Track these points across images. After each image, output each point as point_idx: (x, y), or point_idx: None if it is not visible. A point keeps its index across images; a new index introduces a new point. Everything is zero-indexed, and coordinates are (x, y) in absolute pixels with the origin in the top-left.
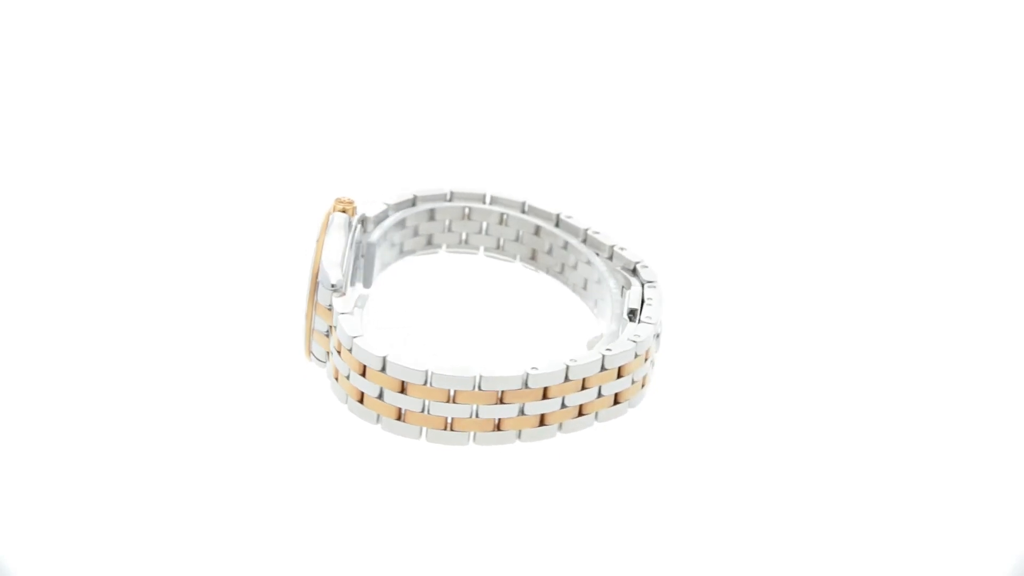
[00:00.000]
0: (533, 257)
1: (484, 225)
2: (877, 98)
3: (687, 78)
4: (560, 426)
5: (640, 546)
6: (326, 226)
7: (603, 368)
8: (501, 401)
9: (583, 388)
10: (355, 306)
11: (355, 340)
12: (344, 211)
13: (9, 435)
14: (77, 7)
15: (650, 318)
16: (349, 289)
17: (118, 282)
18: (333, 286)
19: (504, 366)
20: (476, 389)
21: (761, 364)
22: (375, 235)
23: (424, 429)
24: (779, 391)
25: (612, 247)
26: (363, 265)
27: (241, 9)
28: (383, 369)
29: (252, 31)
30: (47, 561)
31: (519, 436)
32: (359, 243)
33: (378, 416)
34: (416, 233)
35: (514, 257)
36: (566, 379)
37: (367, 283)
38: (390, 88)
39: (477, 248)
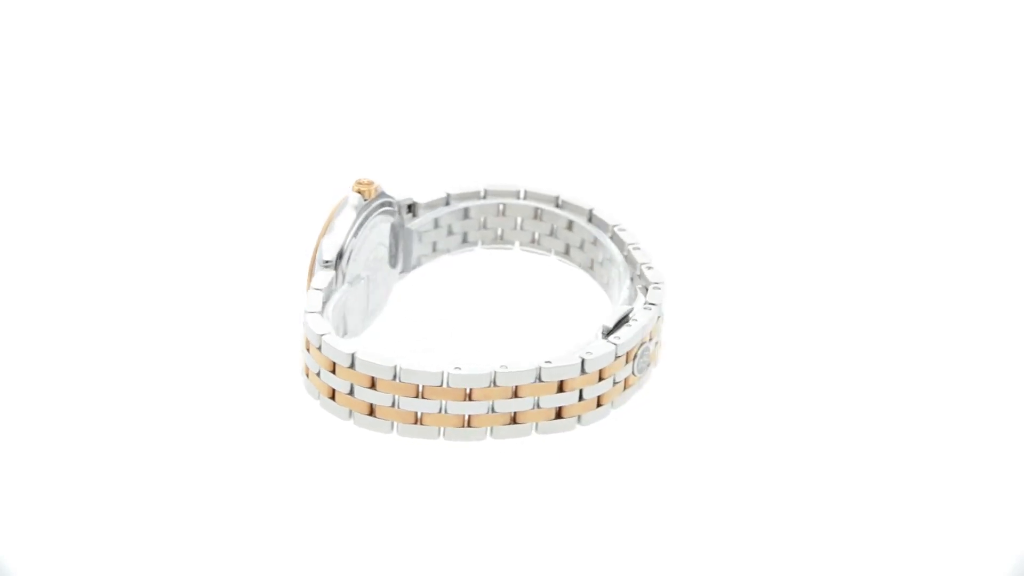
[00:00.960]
0: (567, 252)
1: (519, 221)
2: (891, 96)
3: (713, 75)
4: (537, 426)
5: (638, 543)
6: (339, 206)
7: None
8: (470, 398)
9: (560, 390)
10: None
11: (323, 337)
12: (360, 192)
13: (9, 436)
14: (77, 7)
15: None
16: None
17: (117, 281)
18: (326, 262)
19: (481, 362)
20: (445, 385)
21: (771, 357)
22: (416, 223)
23: (396, 424)
24: (790, 386)
25: (629, 245)
26: (401, 249)
27: (267, 6)
28: (352, 366)
29: (274, 27)
30: (47, 561)
31: (491, 432)
32: (398, 227)
33: (350, 412)
34: (451, 232)
35: (549, 251)
36: (538, 379)
37: (405, 267)
38: (406, 86)
39: (512, 243)
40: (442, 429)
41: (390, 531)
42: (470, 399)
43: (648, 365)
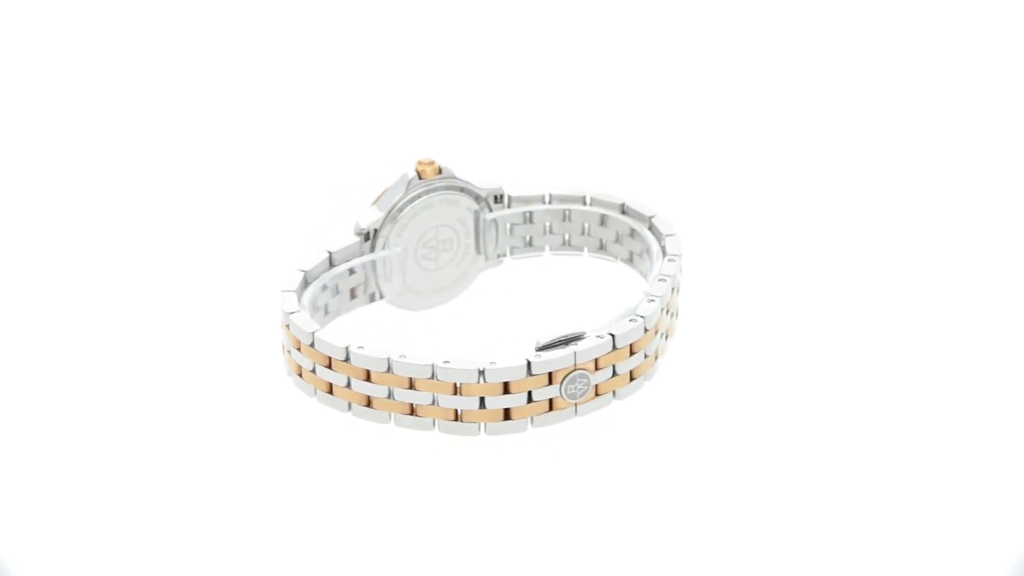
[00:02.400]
0: (630, 259)
1: (585, 226)
2: (925, 90)
3: (736, 69)
4: (532, 420)
5: (633, 536)
6: (396, 181)
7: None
8: (458, 392)
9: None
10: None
11: (315, 335)
12: (418, 172)
13: (9, 436)
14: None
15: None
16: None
17: (109, 281)
18: (362, 230)
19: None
20: (433, 379)
21: (781, 355)
22: (495, 214)
23: (392, 415)
24: (795, 385)
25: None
26: (483, 237)
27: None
28: (347, 360)
29: (303, 30)
30: (47, 561)
31: (484, 429)
32: (479, 214)
33: (349, 404)
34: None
35: (616, 258)
36: (528, 374)
37: (489, 257)
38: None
39: (581, 249)
40: (436, 421)
41: (392, 524)
42: (459, 393)
43: (584, 393)
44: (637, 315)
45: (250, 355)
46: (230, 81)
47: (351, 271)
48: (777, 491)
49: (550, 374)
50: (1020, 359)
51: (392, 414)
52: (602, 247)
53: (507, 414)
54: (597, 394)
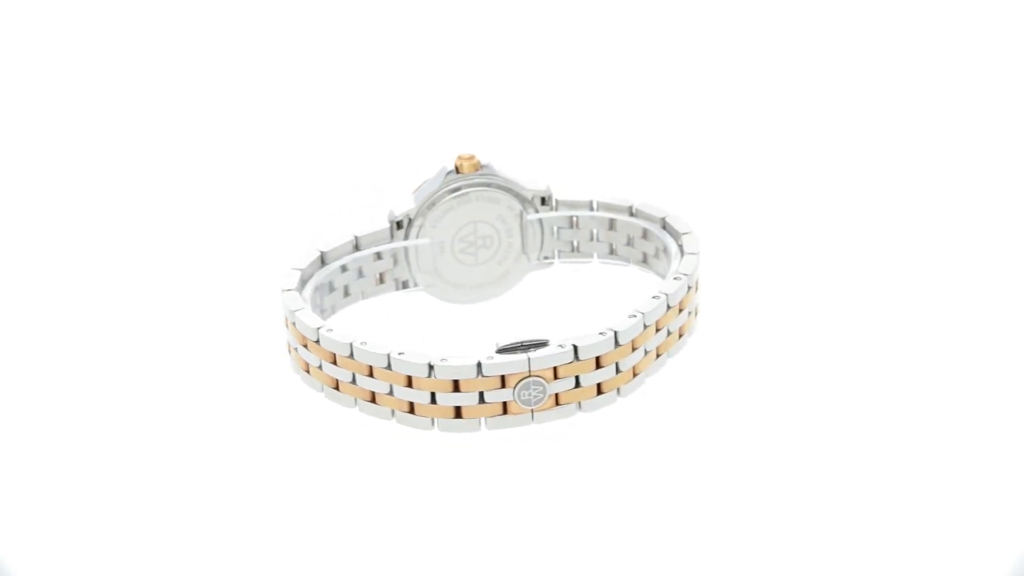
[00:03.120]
0: (644, 261)
1: (630, 236)
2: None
3: (746, 67)
4: (484, 421)
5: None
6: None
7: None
8: (457, 389)
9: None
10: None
11: (320, 331)
12: (457, 167)
13: (14, 436)
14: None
15: None
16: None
17: (111, 281)
18: (395, 217)
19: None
20: (388, 368)
21: (789, 356)
22: (540, 216)
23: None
24: (800, 385)
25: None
26: (528, 238)
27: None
28: (351, 356)
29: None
30: (47, 561)
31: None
32: (522, 215)
33: (355, 400)
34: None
35: (628, 262)
36: (479, 375)
37: (534, 258)
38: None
39: (628, 261)
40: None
41: (393, 521)
42: (411, 386)
43: (540, 401)
44: (638, 311)
45: (256, 351)
46: (246, 81)
47: (378, 255)
48: (780, 490)
49: (503, 377)
50: (1017, 360)
51: (357, 399)
52: (645, 260)
53: (458, 412)
54: (558, 403)
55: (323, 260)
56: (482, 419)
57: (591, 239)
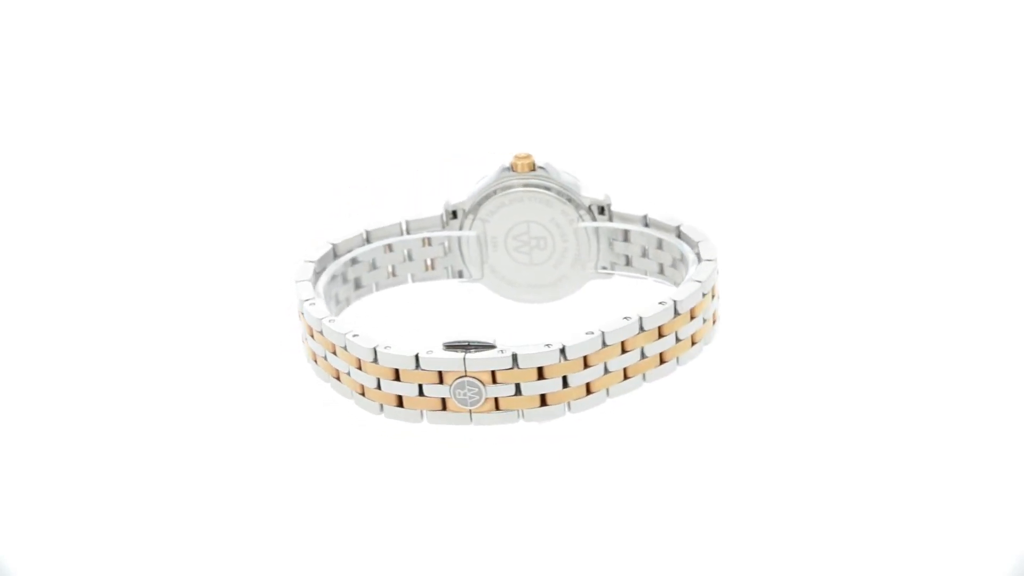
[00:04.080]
0: (661, 271)
1: (674, 258)
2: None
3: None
4: (471, 416)
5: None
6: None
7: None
8: (398, 378)
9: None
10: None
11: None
12: (512, 165)
13: (13, 436)
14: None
15: None
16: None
17: (122, 281)
18: (450, 207)
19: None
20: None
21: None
22: (595, 225)
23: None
24: (804, 387)
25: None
26: (581, 246)
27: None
28: (375, 360)
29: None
30: (47, 561)
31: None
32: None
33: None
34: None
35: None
36: (416, 367)
37: (591, 268)
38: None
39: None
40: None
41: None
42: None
43: (477, 402)
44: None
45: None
46: (291, 79)
47: (427, 241)
48: (777, 491)
49: (440, 373)
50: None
51: (353, 391)
52: (661, 271)
53: (400, 401)
54: (497, 408)
55: (368, 239)
56: (423, 411)
57: (642, 255)
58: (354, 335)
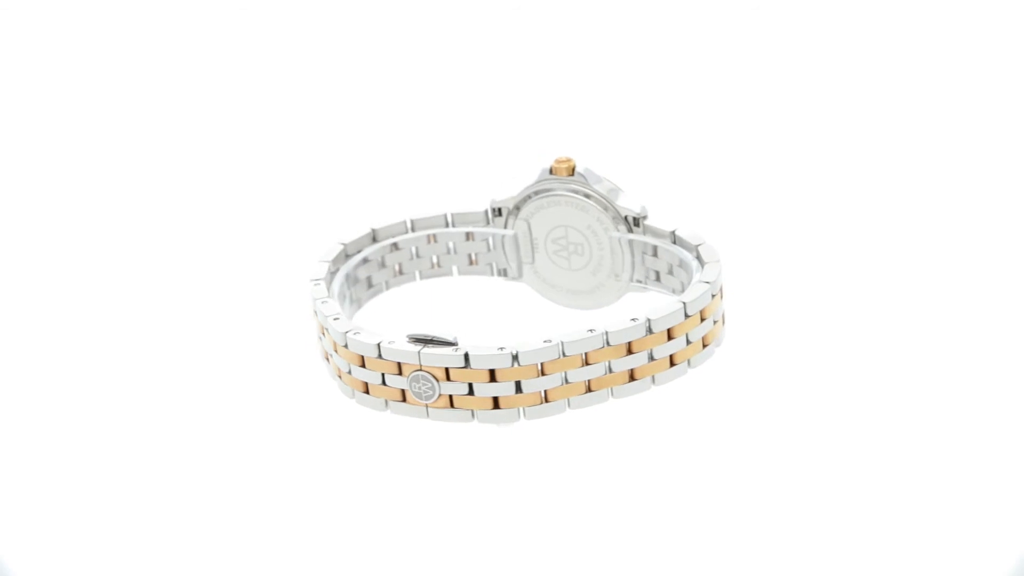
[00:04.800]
0: (657, 279)
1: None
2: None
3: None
4: (427, 411)
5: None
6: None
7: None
8: (363, 365)
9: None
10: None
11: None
12: (552, 168)
13: (18, 437)
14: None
15: None
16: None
17: (135, 284)
18: (495, 204)
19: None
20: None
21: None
22: (630, 236)
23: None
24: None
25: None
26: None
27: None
28: (345, 345)
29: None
30: (47, 561)
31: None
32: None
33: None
34: None
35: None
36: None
37: (625, 279)
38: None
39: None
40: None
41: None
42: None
43: (432, 397)
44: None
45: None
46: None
47: (468, 235)
48: (774, 491)
49: (399, 365)
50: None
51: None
52: (657, 279)
53: (367, 388)
54: (452, 405)
55: (412, 227)
56: (387, 401)
57: (669, 272)
58: (335, 318)
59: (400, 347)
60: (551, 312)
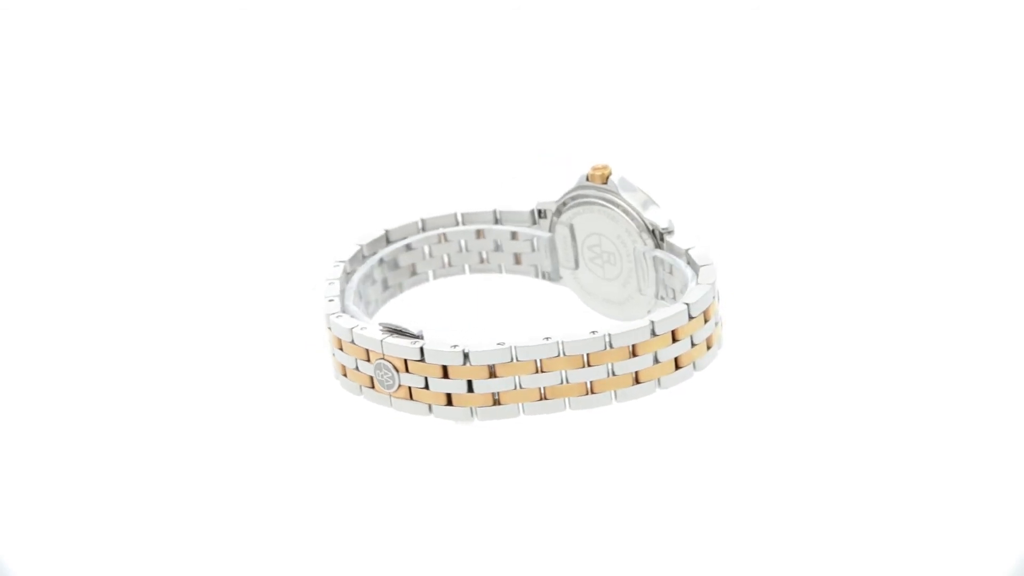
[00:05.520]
0: None
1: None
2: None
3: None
4: (391, 400)
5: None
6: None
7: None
8: (341, 349)
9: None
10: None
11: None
12: (588, 175)
13: (24, 438)
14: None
15: None
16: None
17: (144, 286)
18: (540, 206)
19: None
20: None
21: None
22: (655, 252)
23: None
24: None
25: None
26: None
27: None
28: (328, 328)
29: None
30: (47, 561)
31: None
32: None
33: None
34: None
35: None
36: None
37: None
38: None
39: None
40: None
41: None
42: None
43: (392, 387)
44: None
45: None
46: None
47: (513, 234)
48: (771, 491)
49: (367, 351)
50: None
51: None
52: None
53: (344, 371)
54: (411, 397)
55: (462, 220)
56: (360, 386)
57: (682, 290)
58: (329, 300)
59: (369, 334)
60: (587, 316)
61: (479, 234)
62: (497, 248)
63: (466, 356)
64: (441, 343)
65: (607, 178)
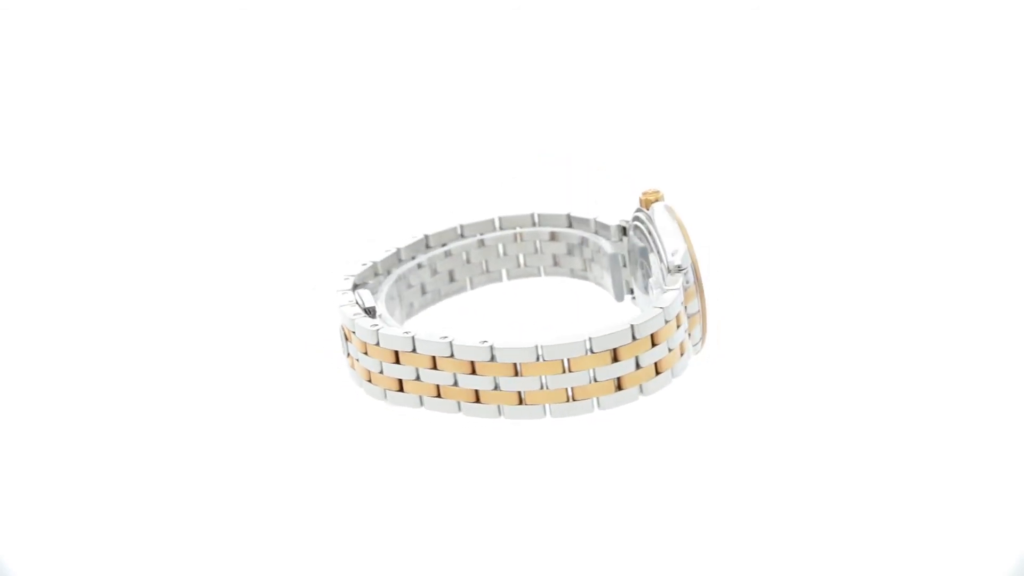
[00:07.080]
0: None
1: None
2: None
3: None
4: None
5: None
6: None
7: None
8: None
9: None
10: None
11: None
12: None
13: (28, 439)
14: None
15: None
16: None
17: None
18: (622, 225)
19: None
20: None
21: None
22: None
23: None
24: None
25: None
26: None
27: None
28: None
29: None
30: (47, 561)
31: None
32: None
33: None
34: None
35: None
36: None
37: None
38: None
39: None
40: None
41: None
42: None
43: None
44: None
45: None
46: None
47: (583, 241)
48: (769, 492)
49: (343, 327)
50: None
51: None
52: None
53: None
54: (370, 380)
55: (500, 225)
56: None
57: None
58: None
59: (343, 300)
60: None
61: (552, 236)
62: (569, 253)
63: (414, 342)
64: (394, 327)
65: (649, 204)
